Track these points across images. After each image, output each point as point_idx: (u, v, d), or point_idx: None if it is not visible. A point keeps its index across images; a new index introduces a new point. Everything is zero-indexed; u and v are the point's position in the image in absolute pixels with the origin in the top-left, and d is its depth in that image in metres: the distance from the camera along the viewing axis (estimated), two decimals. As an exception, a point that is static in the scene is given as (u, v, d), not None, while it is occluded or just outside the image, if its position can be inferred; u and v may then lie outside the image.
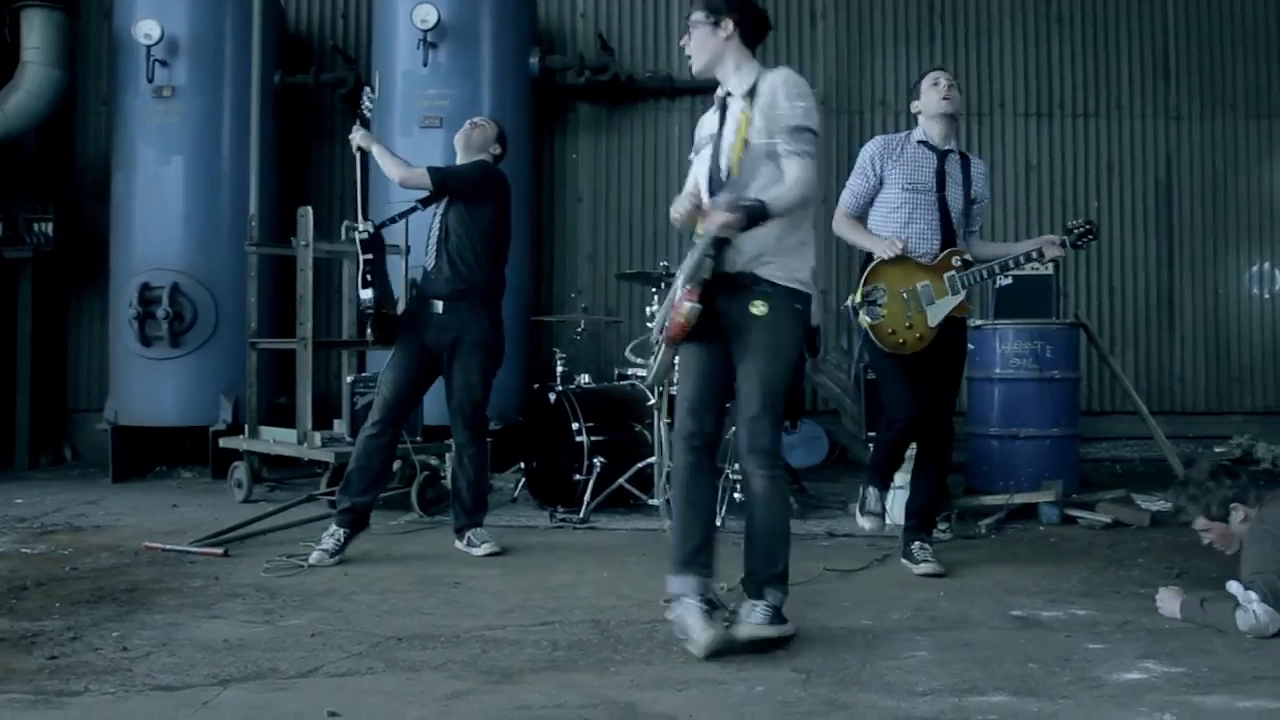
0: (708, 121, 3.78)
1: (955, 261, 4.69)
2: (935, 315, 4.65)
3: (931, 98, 4.75)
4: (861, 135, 8.98)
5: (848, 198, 4.86)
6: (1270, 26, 9.34)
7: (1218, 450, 8.63)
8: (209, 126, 8.01)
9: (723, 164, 3.58)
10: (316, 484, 6.47)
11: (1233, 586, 3.67)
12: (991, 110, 9.24)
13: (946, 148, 4.77)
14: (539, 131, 8.81)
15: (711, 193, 3.57)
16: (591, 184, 9.17)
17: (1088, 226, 4.91)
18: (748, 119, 3.52)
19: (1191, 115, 9.31)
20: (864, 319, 4.66)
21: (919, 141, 4.78)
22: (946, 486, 5.26)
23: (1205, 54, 9.32)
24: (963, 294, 4.68)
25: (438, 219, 5.15)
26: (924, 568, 4.65)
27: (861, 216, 4.89)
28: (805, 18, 9.26)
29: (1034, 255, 4.81)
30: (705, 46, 3.69)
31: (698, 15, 3.68)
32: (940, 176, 4.73)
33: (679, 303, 3.50)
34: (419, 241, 5.42)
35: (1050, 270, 7.03)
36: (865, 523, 4.90)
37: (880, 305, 4.65)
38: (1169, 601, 3.89)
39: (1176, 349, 9.25)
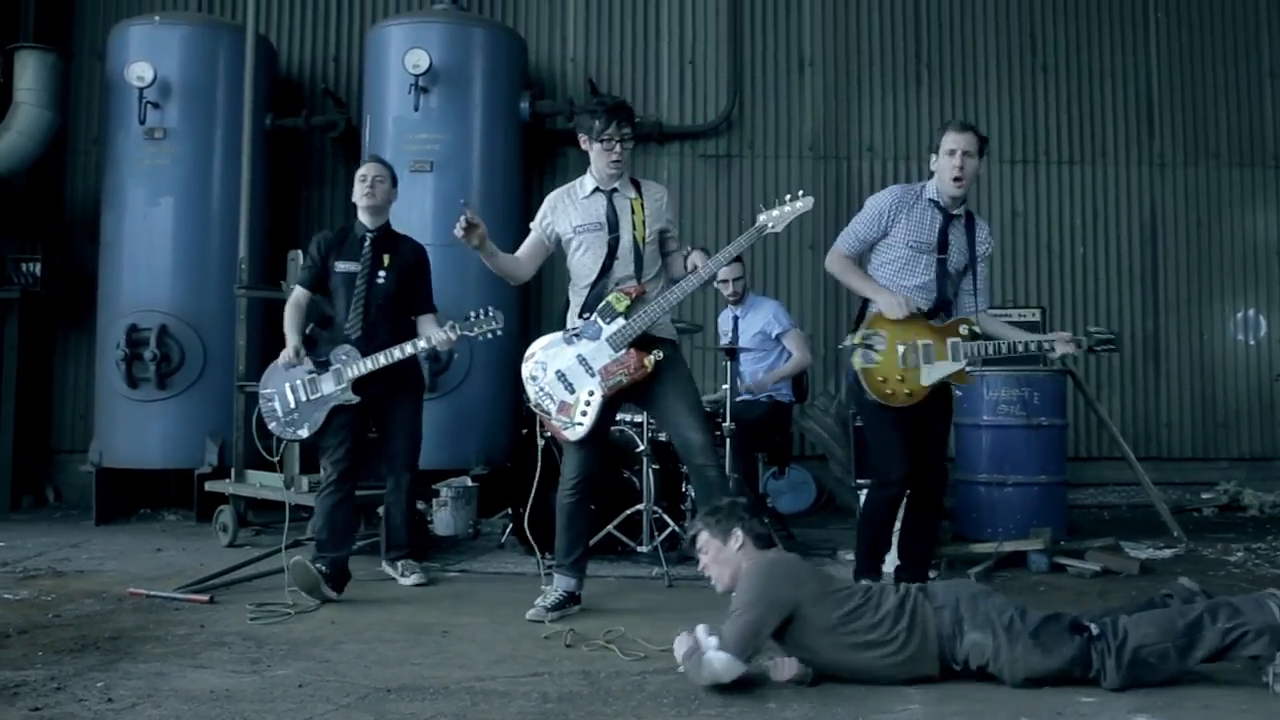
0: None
1: (963, 330, 4.65)
2: (930, 376, 4.58)
3: (945, 172, 4.67)
4: (849, 181, 9.08)
5: (851, 240, 4.80)
6: (1254, 74, 9.47)
7: (1204, 496, 8.73)
8: (199, 169, 8.04)
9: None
10: (303, 529, 6.41)
11: (700, 630, 3.52)
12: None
13: (955, 212, 4.74)
14: (529, 175, 8.84)
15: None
16: (581, 227, 9.12)
17: (1110, 336, 4.83)
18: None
19: (1176, 163, 9.41)
20: (857, 360, 4.59)
21: (930, 200, 4.74)
22: (939, 533, 5.21)
23: (1189, 102, 9.44)
24: (963, 363, 4.61)
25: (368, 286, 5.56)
26: None
27: (859, 260, 4.85)
28: (795, 64, 9.35)
29: (1045, 346, 4.77)
30: None
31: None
32: (943, 238, 4.69)
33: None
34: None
35: (1037, 317, 7.07)
36: None
37: (877, 351, 4.57)
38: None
39: (1163, 395, 9.28)
